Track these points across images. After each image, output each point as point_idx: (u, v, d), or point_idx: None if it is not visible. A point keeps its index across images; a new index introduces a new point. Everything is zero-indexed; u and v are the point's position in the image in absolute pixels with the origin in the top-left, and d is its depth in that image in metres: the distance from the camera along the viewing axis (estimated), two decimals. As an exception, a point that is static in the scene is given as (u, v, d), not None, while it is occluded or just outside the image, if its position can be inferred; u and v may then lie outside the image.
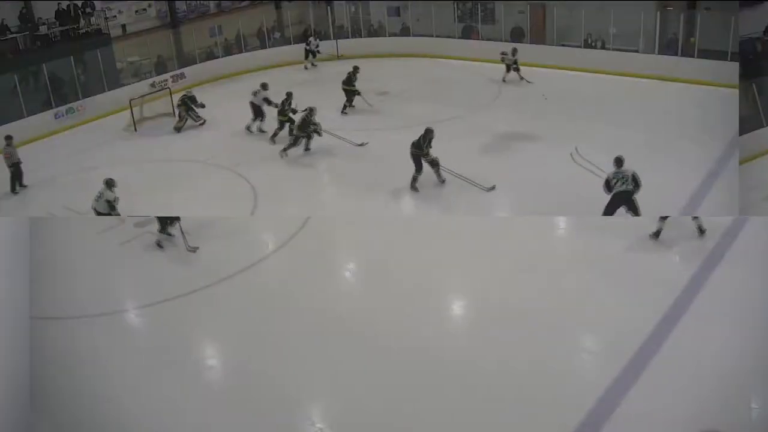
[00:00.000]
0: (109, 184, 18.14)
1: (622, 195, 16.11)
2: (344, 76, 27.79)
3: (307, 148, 23.42)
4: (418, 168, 19.78)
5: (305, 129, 22.75)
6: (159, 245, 18.80)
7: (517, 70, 30.73)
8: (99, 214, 18.37)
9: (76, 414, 12.77)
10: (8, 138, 22.76)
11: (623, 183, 16.06)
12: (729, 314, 13.82)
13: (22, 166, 22.61)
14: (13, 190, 22.56)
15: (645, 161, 20.58)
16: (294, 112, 24.02)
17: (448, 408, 11.94)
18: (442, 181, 20.12)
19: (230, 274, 16.86)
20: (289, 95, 24.65)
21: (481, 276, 16.20)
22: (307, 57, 36.28)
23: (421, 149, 19.64)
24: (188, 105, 27.45)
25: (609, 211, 16.40)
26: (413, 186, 19.86)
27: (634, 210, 16.25)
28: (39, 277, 17.39)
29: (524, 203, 19.36)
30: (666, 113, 25.47)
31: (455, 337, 14.22)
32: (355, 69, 27.81)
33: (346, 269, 17.77)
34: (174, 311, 15.69)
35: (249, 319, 15.18)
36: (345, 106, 27.85)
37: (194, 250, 18.45)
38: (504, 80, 30.85)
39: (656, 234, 16.70)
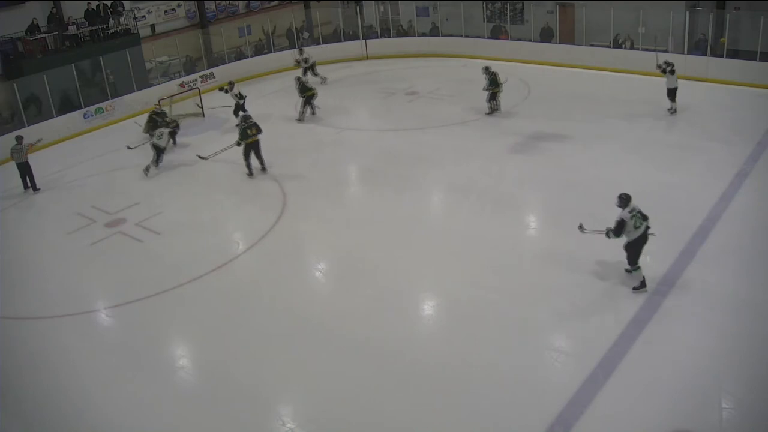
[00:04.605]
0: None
1: (645, 234, 14.29)
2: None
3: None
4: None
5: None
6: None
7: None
8: (154, 146, 23.31)
9: (46, 414, 12.88)
10: (19, 138, 23.02)
11: (641, 220, 14.14)
12: (700, 314, 13.82)
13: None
14: (29, 187, 22.97)
15: (674, 161, 20.61)
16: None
17: (418, 408, 11.98)
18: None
19: (200, 274, 16.85)
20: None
21: (452, 276, 16.05)
22: (305, 74, 31.90)
23: None
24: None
25: (636, 256, 14.54)
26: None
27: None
28: (9, 278, 17.71)
29: (546, 203, 19.41)
30: (695, 113, 25.30)
31: (425, 338, 14.21)
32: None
33: (316, 269, 17.60)
34: (144, 311, 15.71)
35: (219, 319, 15.18)
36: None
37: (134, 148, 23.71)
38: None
39: (642, 285, 14.56)
